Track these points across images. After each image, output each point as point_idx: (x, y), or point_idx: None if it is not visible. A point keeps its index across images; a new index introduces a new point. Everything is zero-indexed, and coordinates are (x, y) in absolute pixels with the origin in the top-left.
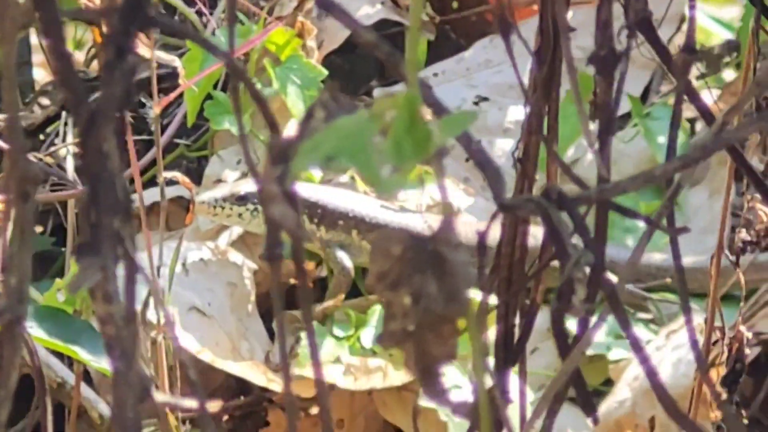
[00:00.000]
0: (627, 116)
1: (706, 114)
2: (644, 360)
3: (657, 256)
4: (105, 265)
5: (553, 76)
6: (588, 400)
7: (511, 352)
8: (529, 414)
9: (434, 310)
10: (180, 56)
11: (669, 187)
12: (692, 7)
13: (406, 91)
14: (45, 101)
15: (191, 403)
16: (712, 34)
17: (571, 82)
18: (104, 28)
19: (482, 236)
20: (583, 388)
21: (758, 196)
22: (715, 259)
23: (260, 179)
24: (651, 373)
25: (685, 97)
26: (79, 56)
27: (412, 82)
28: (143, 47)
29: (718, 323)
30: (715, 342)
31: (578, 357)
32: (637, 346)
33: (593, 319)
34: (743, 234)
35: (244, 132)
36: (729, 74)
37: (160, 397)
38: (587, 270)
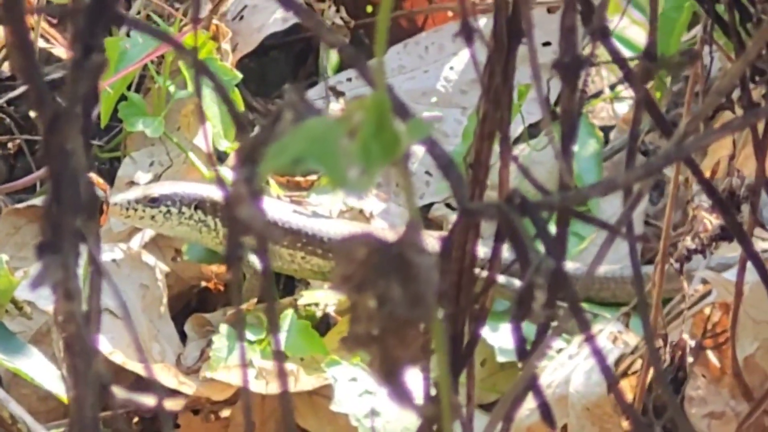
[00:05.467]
0: (539, 123)
1: (661, 123)
2: None
3: (569, 264)
4: (66, 263)
5: (506, 81)
6: (546, 408)
7: (459, 357)
8: (476, 419)
9: (399, 314)
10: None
11: (628, 196)
12: (654, 19)
13: (373, 94)
14: None
15: (149, 401)
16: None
17: (535, 84)
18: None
19: (445, 242)
20: (541, 396)
21: (704, 204)
22: (659, 266)
23: (222, 186)
24: None
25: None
26: None
27: (379, 85)
28: (59, 47)
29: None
30: (633, 351)
31: (536, 363)
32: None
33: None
34: (688, 242)
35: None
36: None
37: (119, 393)
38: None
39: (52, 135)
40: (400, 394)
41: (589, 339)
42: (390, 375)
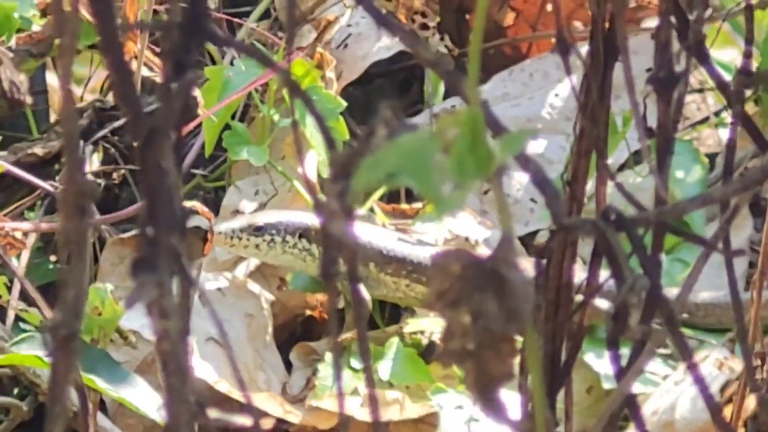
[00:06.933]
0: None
1: (758, 139)
2: None
3: (673, 290)
4: (161, 281)
5: (602, 98)
6: (641, 422)
7: (556, 376)
8: None
9: (494, 329)
10: (199, 86)
11: (725, 210)
12: (749, 31)
13: (467, 109)
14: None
15: (244, 420)
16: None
17: (630, 101)
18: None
19: (539, 255)
20: (636, 410)
21: None
22: (756, 286)
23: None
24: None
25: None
26: (77, 91)
27: (473, 100)
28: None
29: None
30: (738, 377)
31: (633, 379)
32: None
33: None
34: None
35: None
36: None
37: (213, 413)
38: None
39: (147, 152)
40: (495, 409)
41: (691, 364)
42: (485, 390)
